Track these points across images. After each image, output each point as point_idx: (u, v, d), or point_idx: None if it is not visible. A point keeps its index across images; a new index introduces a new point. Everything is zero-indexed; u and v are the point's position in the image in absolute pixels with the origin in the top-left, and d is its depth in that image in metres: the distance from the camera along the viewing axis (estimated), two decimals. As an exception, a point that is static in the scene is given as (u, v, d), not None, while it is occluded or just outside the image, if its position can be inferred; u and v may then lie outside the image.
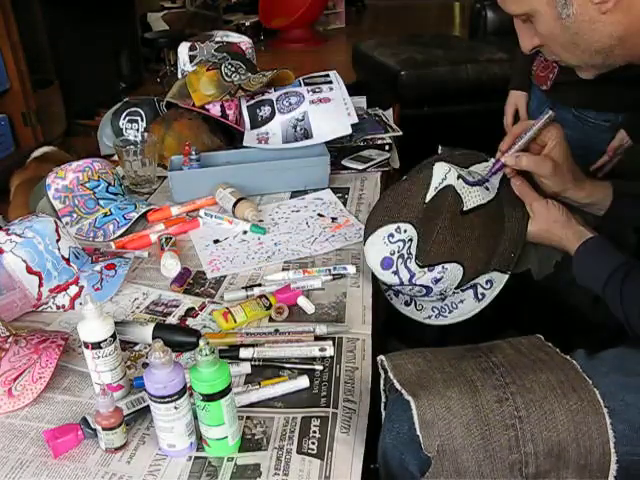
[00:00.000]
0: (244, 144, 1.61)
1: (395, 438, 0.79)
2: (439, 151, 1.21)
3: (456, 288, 1.07)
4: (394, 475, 0.81)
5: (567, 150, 1.06)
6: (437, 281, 1.05)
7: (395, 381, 0.80)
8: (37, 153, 2.19)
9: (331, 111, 1.61)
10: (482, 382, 0.78)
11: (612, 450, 0.75)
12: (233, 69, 1.69)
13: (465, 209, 1.03)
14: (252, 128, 1.65)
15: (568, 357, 0.83)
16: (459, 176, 1.04)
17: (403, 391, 0.78)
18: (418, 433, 0.75)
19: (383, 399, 0.84)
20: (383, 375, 0.84)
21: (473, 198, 1.04)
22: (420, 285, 1.05)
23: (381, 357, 0.84)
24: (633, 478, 0.77)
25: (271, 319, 1.07)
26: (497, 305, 1.26)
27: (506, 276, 1.07)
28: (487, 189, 1.07)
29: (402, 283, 1.06)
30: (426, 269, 1.03)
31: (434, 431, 0.75)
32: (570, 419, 0.75)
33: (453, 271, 1.04)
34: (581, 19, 0.86)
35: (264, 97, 1.68)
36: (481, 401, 0.76)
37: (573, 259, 0.99)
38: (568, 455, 0.75)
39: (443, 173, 1.05)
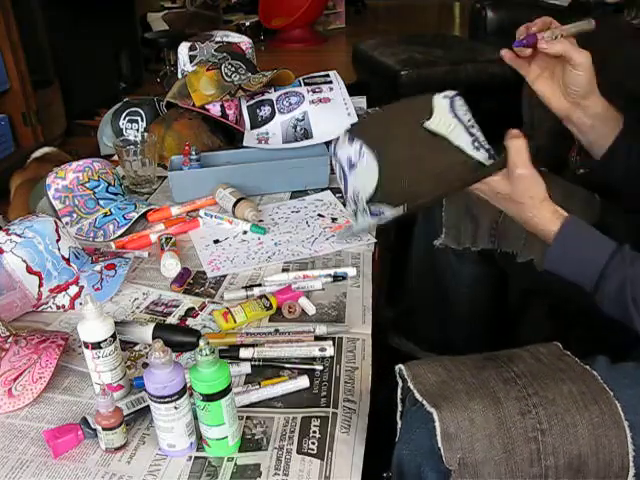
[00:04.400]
0: (244, 144, 1.61)
1: (413, 449, 0.77)
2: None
3: (367, 202, 0.93)
4: None
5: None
6: (351, 166, 0.94)
7: (415, 391, 0.77)
8: (37, 154, 2.19)
9: (331, 111, 1.61)
10: (504, 393, 0.76)
11: (631, 464, 0.73)
12: (233, 69, 1.69)
13: (426, 124, 0.90)
14: (252, 128, 1.65)
15: (587, 367, 0.80)
16: (452, 104, 0.90)
17: (424, 402, 0.75)
18: (440, 445, 0.72)
19: (400, 408, 0.82)
20: (401, 384, 0.81)
21: (444, 125, 0.89)
22: (339, 161, 0.97)
23: (400, 366, 0.82)
24: None
25: (271, 319, 1.07)
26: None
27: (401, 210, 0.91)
28: (476, 142, 0.88)
29: (333, 152, 0.99)
30: (348, 136, 0.95)
31: (456, 444, 0.73)
32: (591, 432, 0.73)
33: (368, 167, 0.91)
34: None
35: (264, 97, 1.68)
36: (504, 413, 0.74)
37: (554, 241, 0.87)
38: (587, 468, 0.73)
39: (445, 96, 0.93)
